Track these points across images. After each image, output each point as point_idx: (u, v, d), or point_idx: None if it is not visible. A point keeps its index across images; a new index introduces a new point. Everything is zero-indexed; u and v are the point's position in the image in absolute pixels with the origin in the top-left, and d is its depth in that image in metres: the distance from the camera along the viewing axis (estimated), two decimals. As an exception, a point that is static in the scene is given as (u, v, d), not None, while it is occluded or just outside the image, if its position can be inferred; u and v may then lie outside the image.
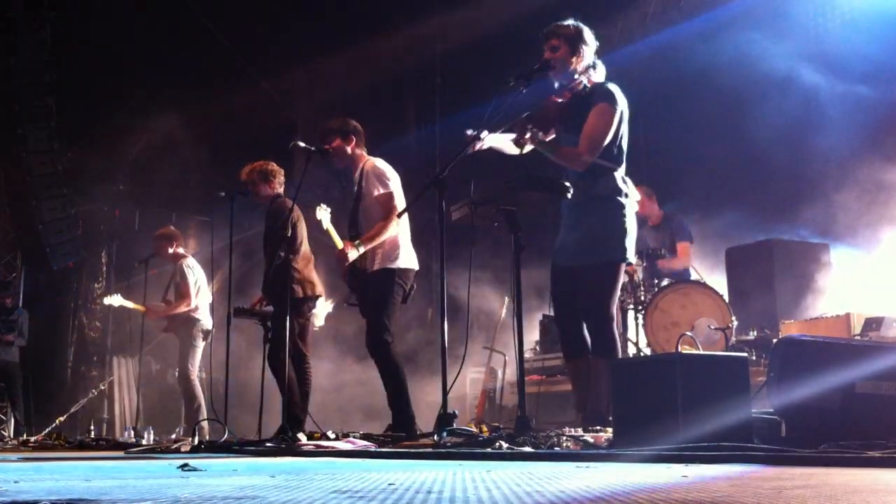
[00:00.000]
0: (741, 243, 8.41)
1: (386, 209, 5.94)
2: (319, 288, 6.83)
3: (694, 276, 8.02)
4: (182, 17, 11.28)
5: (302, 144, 6.24)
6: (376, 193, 5.97)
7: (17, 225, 11.32)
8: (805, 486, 2.15)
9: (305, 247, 6.82)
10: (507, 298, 8.63)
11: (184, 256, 8.70)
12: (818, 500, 1.79)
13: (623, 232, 4.80)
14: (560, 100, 4.94)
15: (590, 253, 4.80)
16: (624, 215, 4.82)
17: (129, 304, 8.95)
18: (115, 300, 9.02)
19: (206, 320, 8.55)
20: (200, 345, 8.53)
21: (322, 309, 7.05)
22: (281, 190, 7.00)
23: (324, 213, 6.22)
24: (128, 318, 9.87)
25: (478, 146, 4.75)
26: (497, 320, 9.09)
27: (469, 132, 4.75)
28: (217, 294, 8.60)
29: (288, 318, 6.16)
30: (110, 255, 13.02)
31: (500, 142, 4.91)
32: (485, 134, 4.73)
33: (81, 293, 12.78)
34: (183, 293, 8.48)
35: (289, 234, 6.49)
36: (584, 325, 4.88)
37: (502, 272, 8.71)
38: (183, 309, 8.45)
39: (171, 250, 8.67)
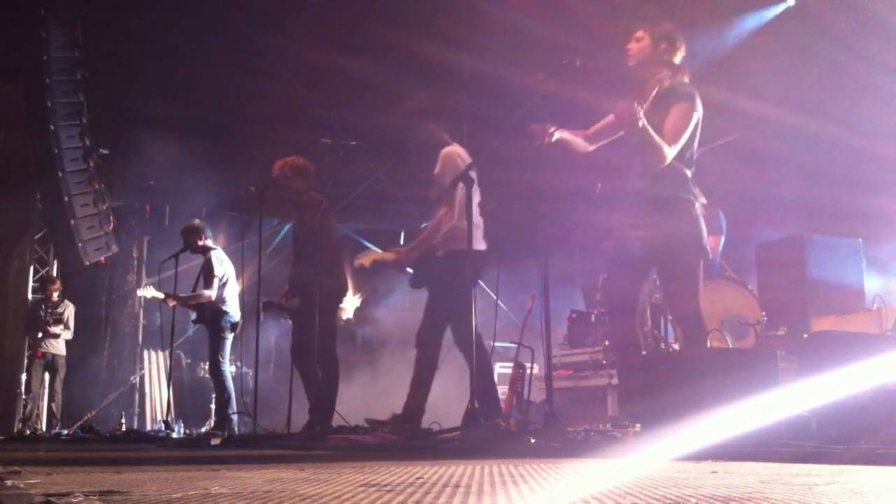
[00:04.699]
0: (772, 238, 8.33)
1: (449, 201, 5.76)
2: (346, 282, 6.85)
3: (724, 272, 7.96)
4: (212, 14, 11.34)
5: (327, 141, 6.25)
6: (451, 179, 5.72)
7: (50, 221, 11.45)
8: (834, 482, 2.13)
9: (334, 241, 6.85)
10: (534, 292, 8.61)
11: (212, 248, 8.72)
12: (847, 495, 1.77)
13: (700, 231, 4.72)
14: (649, 91, 4.87)
15: (673, 256, 4.71)
16: (697, 215, 4.75)
17: (158, 295, 9.04)
18: (147, 292, 9.13)
19: (234, 312, 8.59)
20: (229, 336, 8.57)
21: (350, 303, 7.08)
22: (312, 185, 7.03)
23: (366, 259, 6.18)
24: (159, 312, 9.96)
25: (546, 140, 4.72)
26: (525, 315, 9.07)
27: (535, 126, 4.73)
28: (246, 288, 8.63)
29: (316, 313, 6.19)
30: (141, 250, 13.15)
31: (569, 137, 4.89)
32: (553, 128, 4.71)
33: (114, 288, 12.92)
34: (207, 281, 8.49)
35: (318, 229, 6.51)
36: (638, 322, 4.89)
37: (531, 266, 8.71)
38: (203, 300, 8.46)
39: (200, 243, 8.70)
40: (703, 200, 4.89)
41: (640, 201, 4.69)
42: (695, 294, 4.73)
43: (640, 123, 4.50)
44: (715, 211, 8.23)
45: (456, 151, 5.96)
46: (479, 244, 5.85)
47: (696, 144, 4.84)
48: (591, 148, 5.00)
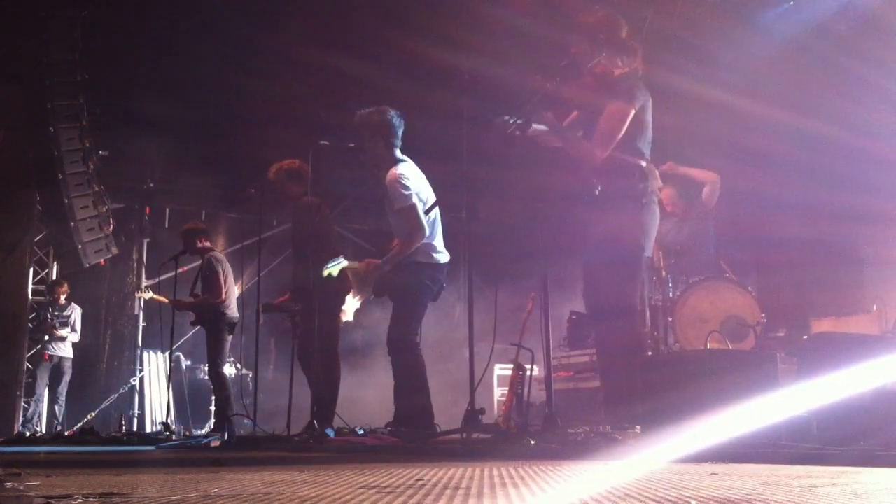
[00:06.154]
0: (772, 239, 8.33)
1: (411, 223, 5.81)
2: (348, 283, 6.85)
3: (724, 273, 7.96)
4: (211, 16, 11.34)
5: (326, 143, 6.24)
6: (397, 207, 5.85)
7: (50, 223, 11.45)
8: (834, 483, 2.13)
9: (333, 243, 6.84)
10: (534, 293, 8.60)
11: (211, 250, 8.74)
12: (848, 497, 1.77)
13: (641, 232, 4.69)
14: (585, 81, 4.87)
15: (609, 250, 4.70)
16: (642, 211, 4.71)
17: (158, 298, 9.06)
18: (146, 294, 9.16)
19: (232, 314, 8.60)
20: (227, 338, 8.59)
21: (351, 304, 7.07)
22: (308, 188, 7.02)
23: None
24: (158, 314, 9.97)
25: (517, 132, 4.72)
26: (525, 316, 9.07)
27: (505, 118, 4.73)
28: (246, 289, 8.64)
29: (317, 314, 6.19)
30: (140, 252, 13.15)
31: (539, 132, 4.90)
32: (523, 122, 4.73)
33: (113, 290, 12.92)
34: (213, 285, 8.50)
35: (315, 232, 6.50)
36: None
37: (529, 267, 8.68)
38: (213, 301, 8.48)
39: (199, 244, 8.72)
40: (660, 184, 4.87)
41: (592, 199, 4.66)
42: (627, 288, 4.70)
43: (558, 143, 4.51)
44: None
45: (401, 180, 5.89)
46: (442, 257, 6.00)
47: (646, 134, 4.80)
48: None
